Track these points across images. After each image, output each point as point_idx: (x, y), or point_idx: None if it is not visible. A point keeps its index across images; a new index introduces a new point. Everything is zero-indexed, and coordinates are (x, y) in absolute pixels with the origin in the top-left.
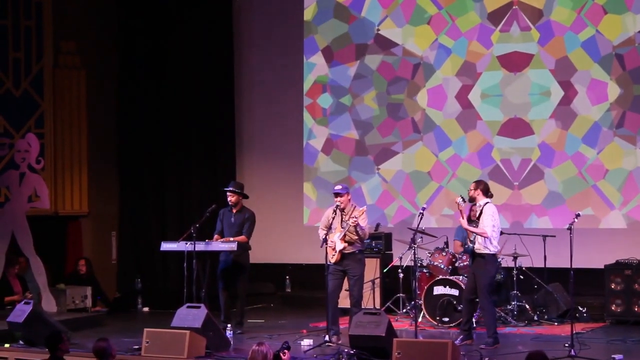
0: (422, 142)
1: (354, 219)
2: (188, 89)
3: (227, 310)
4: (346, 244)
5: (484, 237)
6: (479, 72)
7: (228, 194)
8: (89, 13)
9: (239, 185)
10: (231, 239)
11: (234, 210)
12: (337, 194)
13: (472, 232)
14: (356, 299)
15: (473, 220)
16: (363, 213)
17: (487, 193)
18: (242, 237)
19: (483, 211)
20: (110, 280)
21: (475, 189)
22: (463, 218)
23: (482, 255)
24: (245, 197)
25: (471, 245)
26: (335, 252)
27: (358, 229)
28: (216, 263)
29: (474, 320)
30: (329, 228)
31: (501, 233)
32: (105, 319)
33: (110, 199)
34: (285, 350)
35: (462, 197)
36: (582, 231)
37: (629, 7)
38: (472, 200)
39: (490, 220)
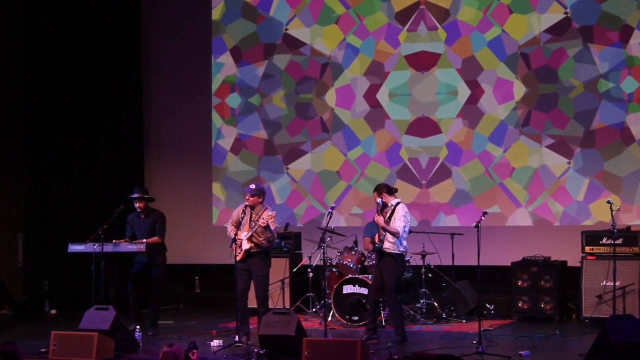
0: (331, 142)
1: (263, 220)
2: (96, 88)
3: (138, 311)
4: (252, 244)
5: (396, 236)
6: (386, 71)
7: (136, 202)
8: None
9: (144, 190)
10: (144, 240)
11: (142, 215)
12: (247, 193)
13: (387, 230)
14: (261, 299)
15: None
16: (272, 218)
17: (392, 192)
18: (155, 238)
19: (396, 210)
20: (17, 283)
21: (380, 194)
22: (379, 215)
23: (391, 255)
24: (152, 200)
25: (379, 244)
26: (241, 250)
27: (268, 233)
28: (125, 264)
29: (383, 319)
30: (238, 225)
31: (410, 232)
32: (11, 322)
33: (16, 200)
34: (194, 350)
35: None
36: (489, 229)
37: (534, 6)
38: (385, 205)
39: (403, 222)
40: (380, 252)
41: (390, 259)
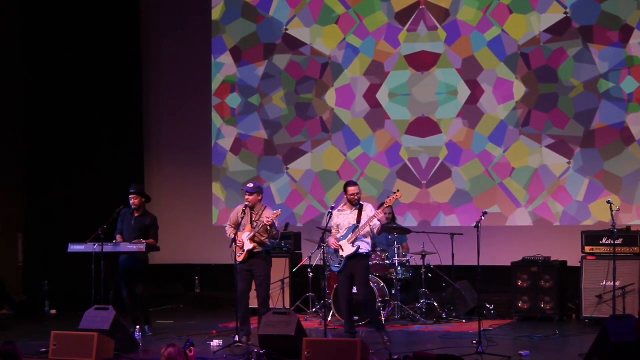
0: (331, 142)
1: (268, 219)
2: (95, 88)
3: (133, 311)
4: (255, 244)
5: (379, 232)
6: (386, 71)
7: (131, 197)
8: None
9: (141, 188)
10: (143, 241)
11: (136, 214)
12: (246, 192)
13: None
14: (263, 299)
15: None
16: (277, 217)
17: None
18: (151, 241)
19: (365, 210)
20: (17, 283)
21: (360, 192)
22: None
23: (364, 255)
24: (148, 199)
25: (357, 246)
26: (243, 251)
27: (274, 230)
28: None
29: (383, 318)
30: (237, 226)
31: (409, 232)
32: (11, 322)
33: (16, 200)
34: (192, 348)
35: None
36: (489, 229)
37: (534, 6)
38: (356, 204)
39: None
40: (349, 256)
41: (363, 258)
